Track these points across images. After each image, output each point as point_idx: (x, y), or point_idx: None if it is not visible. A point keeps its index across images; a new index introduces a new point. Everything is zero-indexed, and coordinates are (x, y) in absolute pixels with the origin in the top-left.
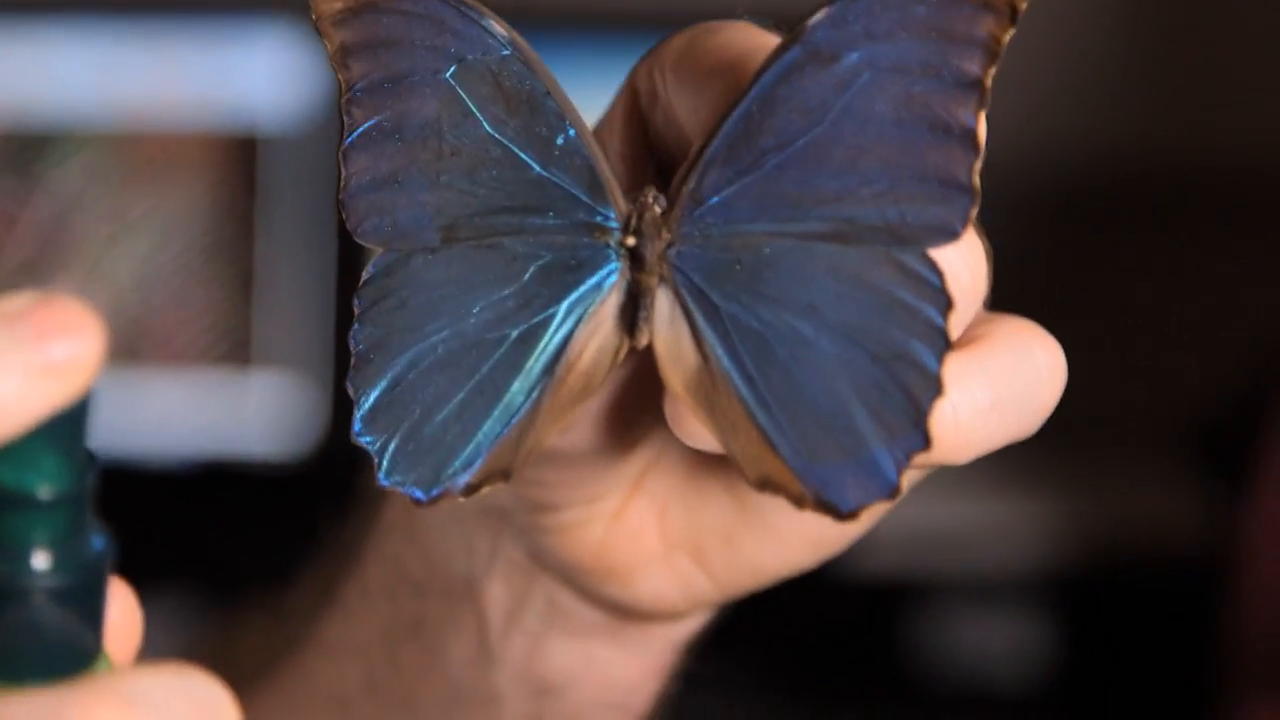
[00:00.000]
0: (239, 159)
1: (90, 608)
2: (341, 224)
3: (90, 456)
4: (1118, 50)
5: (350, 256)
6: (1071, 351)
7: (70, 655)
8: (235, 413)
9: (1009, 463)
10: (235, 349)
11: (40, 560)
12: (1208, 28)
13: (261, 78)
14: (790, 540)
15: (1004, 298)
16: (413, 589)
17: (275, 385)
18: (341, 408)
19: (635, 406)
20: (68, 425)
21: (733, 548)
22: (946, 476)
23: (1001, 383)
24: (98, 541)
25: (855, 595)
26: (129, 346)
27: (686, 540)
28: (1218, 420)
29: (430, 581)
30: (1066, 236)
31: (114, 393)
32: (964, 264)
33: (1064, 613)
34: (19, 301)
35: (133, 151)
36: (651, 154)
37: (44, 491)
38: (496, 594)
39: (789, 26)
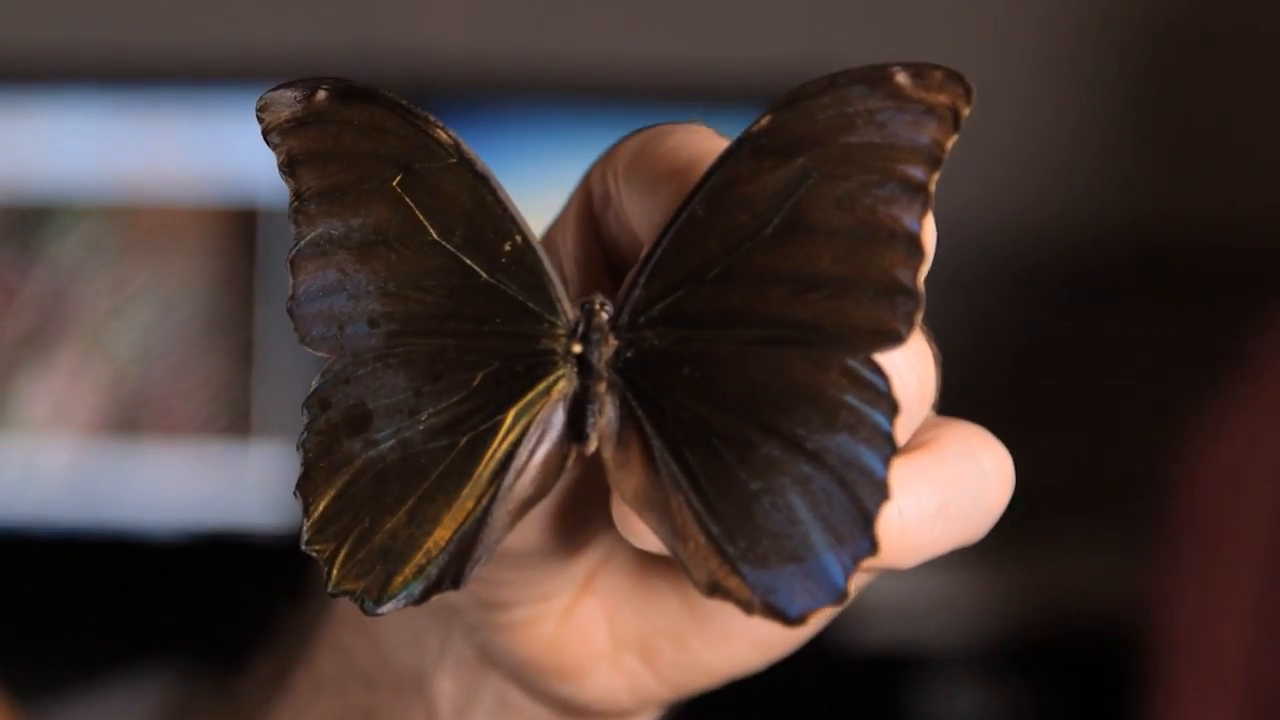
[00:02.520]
0: (238, 230)
1: None
2: None
3: None
4: (1108, 127)
5: None
6: (1031, 419)
7: None
8: (235, 484)
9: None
10: (235, 420)
11: None
12: (1203, 102)
13: (261, 149)
14: (739, 642)
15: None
16: (363, 681)
17: (276, 456)
18: None
19: (585, 507)
20: None
21: (681, 649)
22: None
23: (948, 488)
24: None
25: (852, 666)
26: (129, 418)
27: (635, 640)
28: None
29: (380, 674)
30: (1020, 310)
31: (114, 464)
32: (910, 369)
33: (1017, 684)
34: None
35: (133, 223)
36: (604, 256)
37: None
38: (446, 689)
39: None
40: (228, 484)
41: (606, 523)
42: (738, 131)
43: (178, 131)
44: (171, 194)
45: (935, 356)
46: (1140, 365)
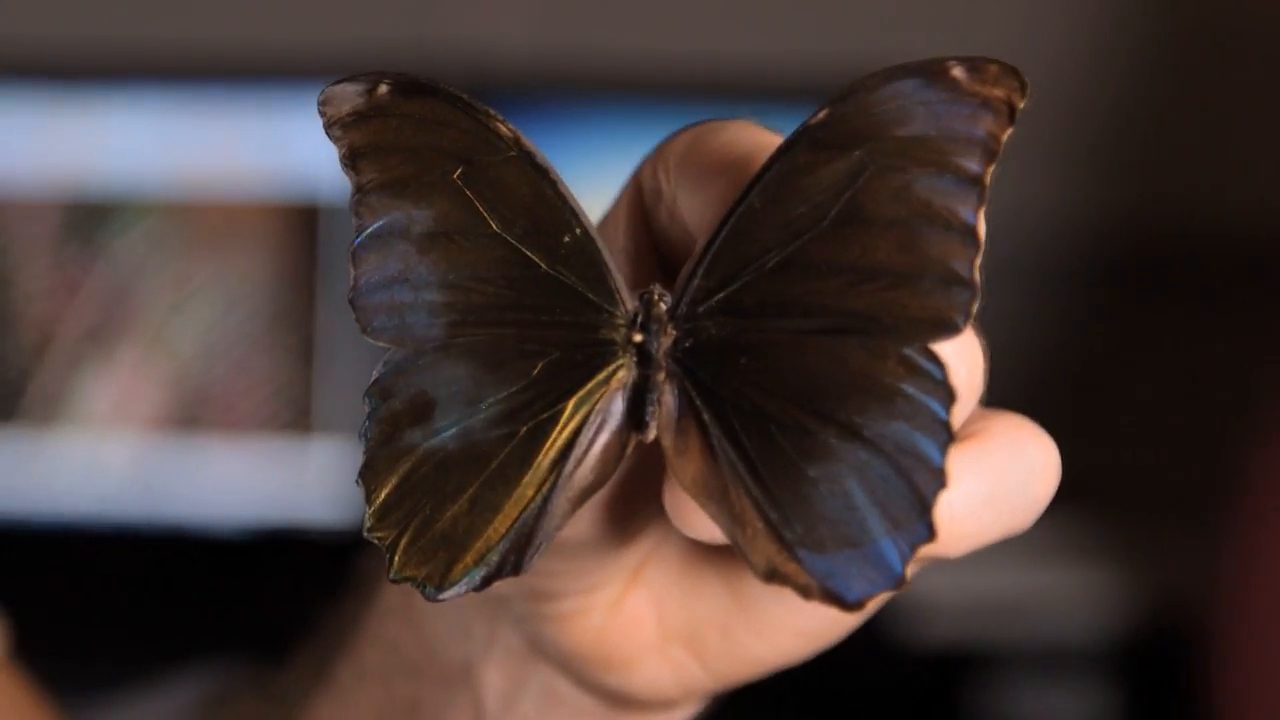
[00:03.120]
0: (300, 227)
1: None
2: None
3: None
4: (1130, 119)
5: None
6: (1130, 419)
7: None
8: (296, 481)
9: (1072, 530)
10: (296, 417)
11: None
12: (1210, 98)
13: (322, 146)
14: (785, 632)
15: (1046, 370)
16: (408, 673)
17: (336, 453)
18: None
19: (635, 498)
20: None
21: (728, 639)
22: (1008, 544)
23: (996, 478)
24: None
25: (916, 664)
26: (190, 414)
27: (683, 631)
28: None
29: (426, 666)
30: (1108, 308)
31: (175, 460)
32: (961, 360)
33: (1127, 683)
34: None
35: (194, 220)
36: (655, 251)
37: None
38: (493, 680)
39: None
40: (288, 480)
41: (656, 514)
42: (791, 128)
43: (239, 128)
44: (233, 190)
45: (984, 348)
46: (1170, 364)
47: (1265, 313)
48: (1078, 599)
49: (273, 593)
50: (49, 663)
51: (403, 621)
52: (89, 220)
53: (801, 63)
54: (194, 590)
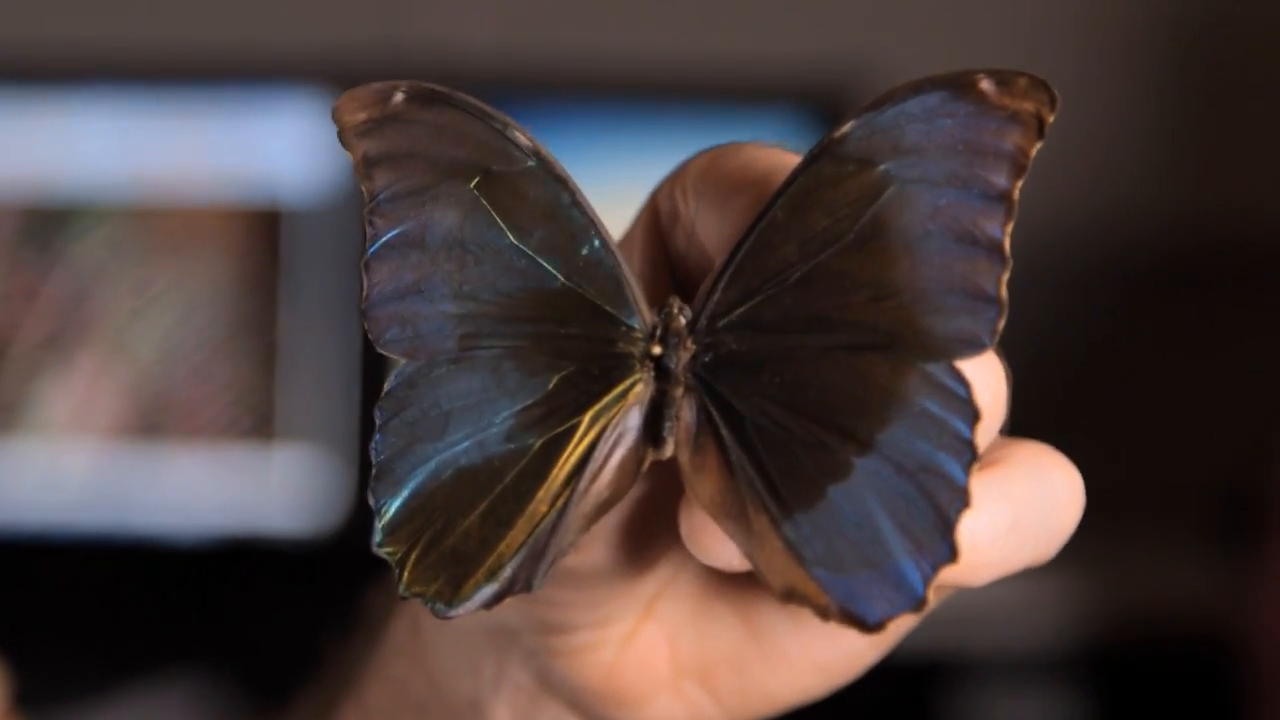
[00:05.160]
0: (262, 232)
1: None
2: None
3: None
4: (1152, 124)
5: None
6: (1096, 424)
7: None
8: (259, 488)
9: None
10: (259, 424)
11: None
12: (1239, 98)
13: (284, 150)
14: (802, 668)
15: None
16: (415, 712)
17: (299, 460)
18: (365, 482)
19: (651, 528)
20: None
21: (743, 675)
22: None
23: (1020, 506)
24: None
25: (885, 672)
26: (151, 422)
27: (697, 667)
28: (1240, 490)
29: (434, 704)
30: (1086, 310)
31: (135, 469)
32: (986, 379)
33: (1094, 689)
34: None
35: (155, 225)
36: (672, 275)
37: None
38: (502, 717)
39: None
40: (251, 488)
41: (670, 545)
42: (769, 129)
43: (201, 131)
44: (194, 194)
45: (1006, 373)
46: (1194, 369)
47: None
48: (1046, 607)
49: (235, 601)
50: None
51: (410, 660)
52: (47, 225)
53: (770, 63)
54: (156, 600)
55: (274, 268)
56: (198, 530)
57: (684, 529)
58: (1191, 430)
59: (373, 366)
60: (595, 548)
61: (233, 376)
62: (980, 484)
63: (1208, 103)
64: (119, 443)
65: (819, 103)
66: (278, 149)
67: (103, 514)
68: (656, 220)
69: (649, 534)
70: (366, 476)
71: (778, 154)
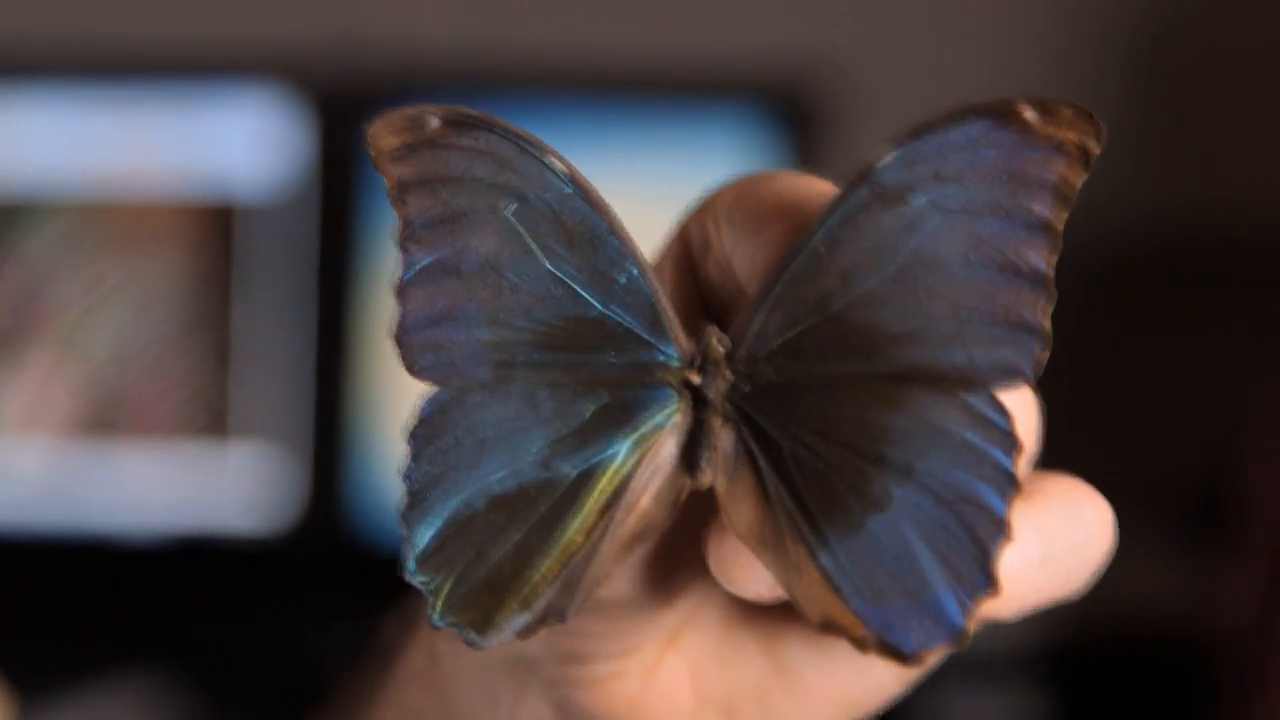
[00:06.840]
0: (216, 228)
1: None
2: (321, 294)
3: None
4: (1122, 120)
5: (330, 326)
6: (1065, 421)
7: None
8: (213, 486)
9: None
10: (213, 421)
11: None
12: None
13: (239, 146)
14: (825, 700)
15: None
16: None
17: (253, 458)
18: (321, 480)
19: (676, 558)
20: None
21: (766, 708)
22: None
23: (1051, 539)
24: None
25: None
26: (104, 419)
27: (720, 699)
28: (1209, 489)
29: None
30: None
31: (88, 467)
32: (1025, 411)
33: (1060, 687)
34: None
35: (108, 221)
36: (703, 305)
37: None
38: None
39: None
40: (205, 486)
41: (695, 576)
42: (728, 124)
43: (153, 126)
44: (147, 191)
45: (1040, 407)
46: (1166, 365)
47: (1262, 319)
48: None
49: (190, 600)
50: None
51: (426, 688)
52: None
53: (730, 57)
54: (109, 599)
55: (228, 264)
56: (151, 528)
57: (712, 559)
58: (1160, 430)
59: (327, 364)
60: (621, 577)
61: (186, 374)
62: (1014, 516)
63: (1176, 99)
64: (71, 440)
65: (779, 97)
66: (232, 145)
67: (55, 512)
68: (687, 249)
69: (674, 564)
70: (321, 473)
71: (812, 182)
